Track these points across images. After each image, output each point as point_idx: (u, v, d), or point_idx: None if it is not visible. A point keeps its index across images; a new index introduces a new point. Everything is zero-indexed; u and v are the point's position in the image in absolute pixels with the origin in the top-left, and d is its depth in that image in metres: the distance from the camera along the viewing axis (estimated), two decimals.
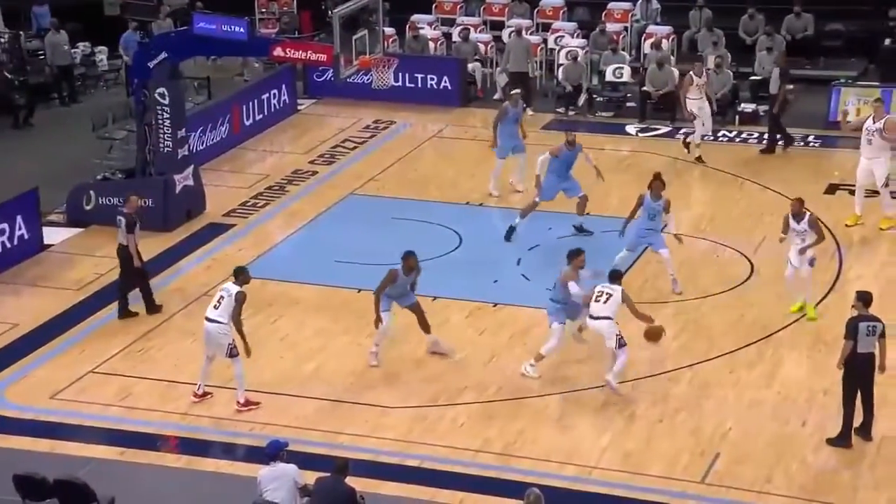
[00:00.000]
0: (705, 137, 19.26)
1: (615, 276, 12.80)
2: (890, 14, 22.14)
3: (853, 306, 11.90)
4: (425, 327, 13.40)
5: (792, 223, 13.95)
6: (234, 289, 12.29)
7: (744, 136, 20.24)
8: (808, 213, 14.10)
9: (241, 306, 12.25)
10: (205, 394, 12.63)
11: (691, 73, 18.97)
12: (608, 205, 17.32)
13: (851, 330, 11.56)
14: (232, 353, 12.31)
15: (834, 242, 15.97)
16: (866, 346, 11.52)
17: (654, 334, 12.76)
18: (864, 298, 11.75)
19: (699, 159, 18.93)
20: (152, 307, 14.37)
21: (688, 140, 19.17)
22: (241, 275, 12.49)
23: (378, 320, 13.05)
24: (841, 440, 11.71)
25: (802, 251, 13.93)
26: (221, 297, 12.29)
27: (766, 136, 19.72)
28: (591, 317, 12.62)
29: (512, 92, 18.55)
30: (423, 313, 13.38)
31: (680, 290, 14.67)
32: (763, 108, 20.51)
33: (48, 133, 20.78)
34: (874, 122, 16.20)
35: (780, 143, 19.49)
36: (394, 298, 13.27)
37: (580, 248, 13.21)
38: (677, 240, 14.92)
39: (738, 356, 13.39)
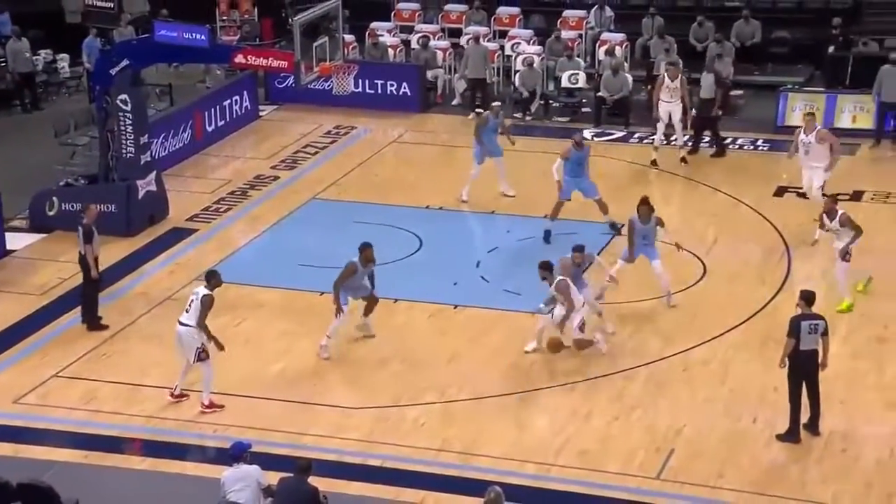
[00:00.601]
0: (688, 144, 19.51)
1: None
2: (833, 23, 22.74)
3: (797, 305, 12.24)
4: (368, 311, 13.90)
5: (826, 222, 14.55)
6: (203, 292, 12.45)
7: (687, 137, 20.58)
8: (840, 211, 14.59)
9: (208, 310, 12.39)
10: (181, 395, 12.74)
11: (664, 73, 19.29)
12: (566, 207, 17.63)
13: (794, 328, 11.89)
14: (200, 357, 12.45)
15: (783, 243, 16.40)
16: (809, 344, 11.84)
17: (555, 345, 13.23)
18: (807, 297, 12.09)
19: (654, 163, 19.27)
20: (94, 324, 14.22)
21: (681, 155, 19.30)
22: (212, 279, 12.64)
23: (339, 310, 13.38)
24: (790, 436, 12.04)
25: (844, 253, 14.31)
26: (192, 300, 12.45)
27: (693, 138, 19.95)
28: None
29: (493, 103, 18.76)
30: (376, 303, 13.84)
31: (674, 304, 14.69)
32: (716, 111, 20.94)
33: (10, 140, 20.78)
34: (806, 135, 16.58)
35: (712, 146, 19.80)
36: (350, 291, 13.54)
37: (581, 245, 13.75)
38: (677, 248, 15.03)
39: (692, 355, 13.70)
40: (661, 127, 19.21)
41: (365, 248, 13.60)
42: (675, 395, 12.93)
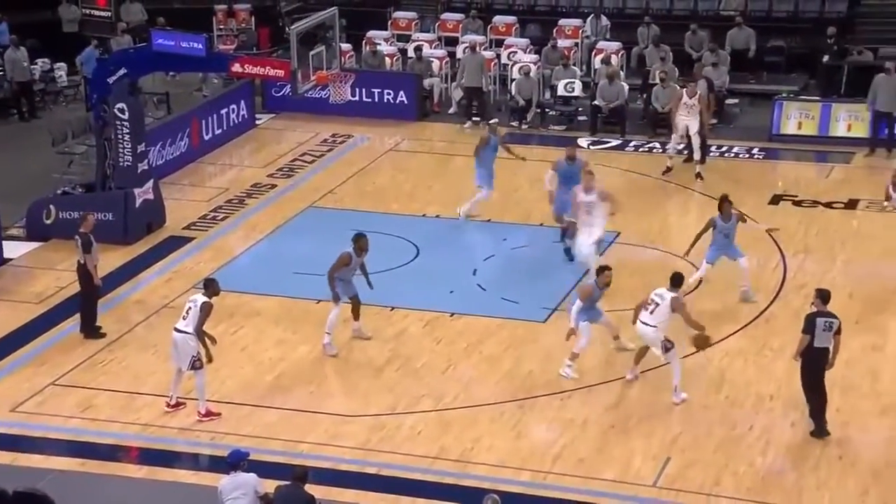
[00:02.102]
0: (698, 166, 19.29)
1: (675, 281, 13.03)
2: (828, 32, 22.86)
3: (812, 303, 12.32)
4: (356, 315, 14.08)
5: (892, 192, 15.66)
6: (201, 299, 12.48)
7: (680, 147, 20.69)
8: None
9: (206, 317, 12.42)
10: (178, 404, 12.75)
11: (684, 90, 19.24)
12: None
13: (810, 324, 12.00)
14: (194, 366, 12.47)
15: (778, 252, 16.46)
16: (822, 342, 11.98)
17: (701, 342, 13.04)
18: (823, 295, 12.22)
19: (668, 169, 19.29)
20: (92, 331, 14.28)
21: (697, 170, 19.21)
22: (210, 286, 12.68)
23: (336, 298, 13.60)
24: (819, 432, 12.16)
25: None
26: (189, 307, 12.47)
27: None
28: (642, 322, 12.94)
29: (490, 121, 18.74)
30: (359, 304, 14.08)
31: (755, 299, 15.00)
32: (711, 120, 21.03)
33: (8, 148, 20.83)
34: (587, 194, 15.40)
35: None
36: (341, 285, 13.76)
37: (607, 266, 13.59)
38: (770, 234, 15.41)
39: (687, 363, 13.64)
40: (675, 138, 19.15)
41: (359, 238, 13.82)
42: (672, 403, 12.94)
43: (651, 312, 12.85)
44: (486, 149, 17.51)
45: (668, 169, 19.34)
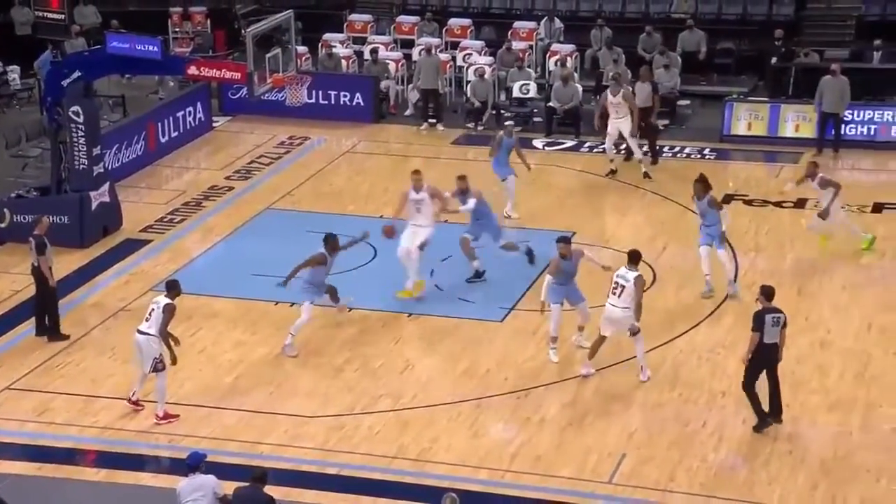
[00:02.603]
0: (647, 155, 19.64)
1: (633, 259, 13.24)
2: (776, 35, 23.27)
3: (757, 300, 12.55)
4: (336, 300, 14.43)
5: (810, 183, 16.26)
6: (164, 301, 12.49)
7: (644, 149, 20.95)
8: (819, 174, 16.11)
9: (170, 318, 12.44)
10: (138, 402, 12.76)
11: (608, 90, 19.42)
12: (515, 217, 17.91)
13: (759, 322, 12.24)
14: (156, 368, 12.49)
15: (730, 250, 16.74)
16: (771, 337, 12.25)
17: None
18: (767, 292, 12.45)
19: (613, 172, 19.48)
20: (56, 334, 14.24)
21: (643, 170, 19.33)
22: (173, 288, 12.69)
23: (288, 281, 13.79)
24: (763, 424, 12.41)
25: (823, 213, 16.15)
26: (152, 309, 12.49)
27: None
28: (611, 305, 13.22)
29: (506, 123, 18.69)
30: (335, 289, 14.31)
31: (735, 294, 15.23)
32: (662, 122, 21.34)
33: None
34: (416, 192, 15.28)
35: (646, 154, 19.97)
36: (314, 289, 13.87)
37: (565, 237, 13.94)
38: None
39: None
40: (609, 139, 19.35)
41: (331, 239, 13.91)
42: (627, 401, 13.15)
43: (619, 296, 13.09)
44: (501, 149, 17.71)
45: (613, 171, 19.49)
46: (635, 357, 13.56)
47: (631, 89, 19.74)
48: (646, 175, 19.31)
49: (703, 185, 15.23)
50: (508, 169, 17.81)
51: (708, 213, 15.18)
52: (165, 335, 12.43)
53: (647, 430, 12.58)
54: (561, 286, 13.68)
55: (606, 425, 12.69)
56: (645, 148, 19.87)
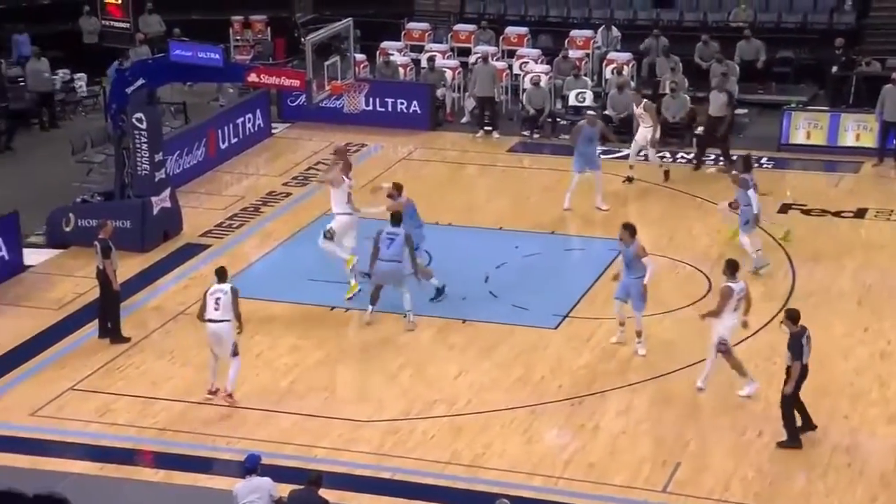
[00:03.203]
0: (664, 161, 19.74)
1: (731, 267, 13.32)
2: (836, 43, 23.03)
3: (781, 323, 12.34)
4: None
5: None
6: (227, 286, 12.94)
7: (691, 156, 20.90)
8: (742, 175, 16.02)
9: (238, 298, 12.93)
10: (217, 390, 13.13)
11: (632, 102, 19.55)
12: (571, 225, 17.91)
13: (797, 348, 12.04)
14: (235, 352, 12.93)
15: (787, 259, 16.59)
16: (807, 357, 12.16)
17: None
18: (793, 316, 12.20)
19: (629, 179, 19.40)
20: (118, 336, 14.51)
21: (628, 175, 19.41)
22: (224, 274, 13.15)
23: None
24: (791, 441, 12.25)
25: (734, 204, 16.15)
26: (218, 297, 12.88)
27: (697, 156, 20.28)
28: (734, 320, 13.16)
29: (588, 112, 18.95)
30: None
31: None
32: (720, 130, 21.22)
33: (29, 157, 21.12)
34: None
35: (721, 163, 19.97)
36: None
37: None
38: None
39: (698, 369, 13.81)
40: (634, 146, 19.42)
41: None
42: (682, 409, 13.07)
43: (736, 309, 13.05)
44: (582, 139, 17.97)
45: (630, 179, 19.36)
46: (691, 365, 13.48)
47: (688, 97, 19.69)
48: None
49: (629, 231, 13.87)
50: (596, 160, 17.97)
51: (633, 263, 13.80)
52: (239, 315, 12.92)
53: (703, 439, 12.51)
54: (626, 278, 13.79)
55: (661, 433, 12.63)
56: (708, 156, 19.71)
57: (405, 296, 14.68)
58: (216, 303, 12.86)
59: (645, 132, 19.33)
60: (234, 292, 12.92)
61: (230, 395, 13.06)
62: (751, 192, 15.73)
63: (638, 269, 13.85)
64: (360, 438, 12.58)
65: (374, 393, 13.51)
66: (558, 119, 22.19)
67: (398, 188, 15.72)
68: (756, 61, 23.32)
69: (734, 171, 16.52)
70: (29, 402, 13.26)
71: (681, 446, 12.38)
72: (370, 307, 14.84)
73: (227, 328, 12.88)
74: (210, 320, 12.91)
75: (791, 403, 12.25)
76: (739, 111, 22.32)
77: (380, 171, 20.43)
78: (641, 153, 19.64)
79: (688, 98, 21.47)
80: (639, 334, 14.13)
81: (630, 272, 13.90)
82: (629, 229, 13.90)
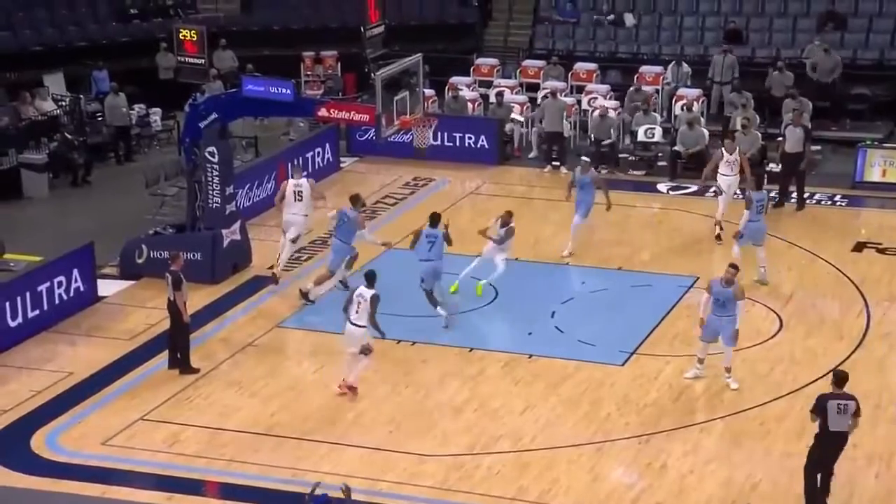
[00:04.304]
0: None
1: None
2: None
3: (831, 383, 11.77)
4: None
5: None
6: (369, 293, 13.67)
7: (772, 194, 20.56)
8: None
9: (376, 307, 13.57)
10: (350, 387, 13.81)
11: (722, 148, 18.54)
12: (638, 261, 17.77)
13: (819, 407, 11.50)
14: (363, 352, 13.75)
15: (861, 299, 16.26)
16: (838, 425, 11.48)
17: None
18: (839, 377, 11.66)
19: (718, 238, 18.31)
20: (187, 367, 14.68)
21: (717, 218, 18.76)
22: (372, 278, 13.83)
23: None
24: None
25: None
26: (359, 302, 13.66)
27: (780, 192, 19.94)
28: None
29: (582, 159, 18.47)
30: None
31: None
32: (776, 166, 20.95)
33: (105, 189, 21.59)
34: None
35: (793, 200, 19.68)
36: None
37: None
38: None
39: (769, 409, 13.63)
40: (723, 199, 18.34)
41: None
42: (751, 449, 12.87)
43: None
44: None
45: (719, 237, 18.22)
46: (762, 404, 13.25)
47: (759, 133, 19.42)
48: (718, 238, 18.30)
49: (734, 271, 13.99)
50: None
51: (729, 304, 13.85)
52: (374, 322, 13.58)
53: (772, 481, 12.28)
54: (716, 318, 13.78)
55: (729, 474, 12.43)
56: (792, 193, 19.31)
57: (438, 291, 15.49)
58: (357, 307, 13.63)
59: (731, 180, 18.35)
60: (374, 300, 13.53)
61: (351, 387, 13.76)
62: (747, 212, 16.36)
63: (731, 309, 13.91)
64: (425, 473, 12.56)
65: (439, 427, 13.49)
66: (621, 154, 22.06)
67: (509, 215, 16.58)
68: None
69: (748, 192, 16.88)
70: (101, 431, 13.45)
71: (750, 487, 12.17)
72: (440, 310, 15.56)
73: (359, 334, 13.67)
74: (350, 322, 13.68)
75: (808, 464, 11.70)
76: (813, 148, 22.05)
77: (447, 205, 20.47)
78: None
79: (759, 134, 21.26)
80: (728, 370, 14.01)
81: (724, 311, 13.90)
82: (735, 269, 14.02)
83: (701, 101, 23.38)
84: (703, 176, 19.03)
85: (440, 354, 14.91)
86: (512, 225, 16.43)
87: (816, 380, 14.23)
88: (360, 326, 13.67)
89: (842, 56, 24.46)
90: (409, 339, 15.30)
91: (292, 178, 17.43)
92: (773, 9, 26.27)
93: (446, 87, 24.17)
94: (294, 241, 17.23)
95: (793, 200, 19.91)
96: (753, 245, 16.72)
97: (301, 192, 17.21)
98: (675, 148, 21.50)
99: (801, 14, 26.09)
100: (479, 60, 25.86)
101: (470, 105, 23.66)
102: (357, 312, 13.66)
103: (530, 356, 14.99)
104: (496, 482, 12.36)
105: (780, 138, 20.29)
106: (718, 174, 18.62)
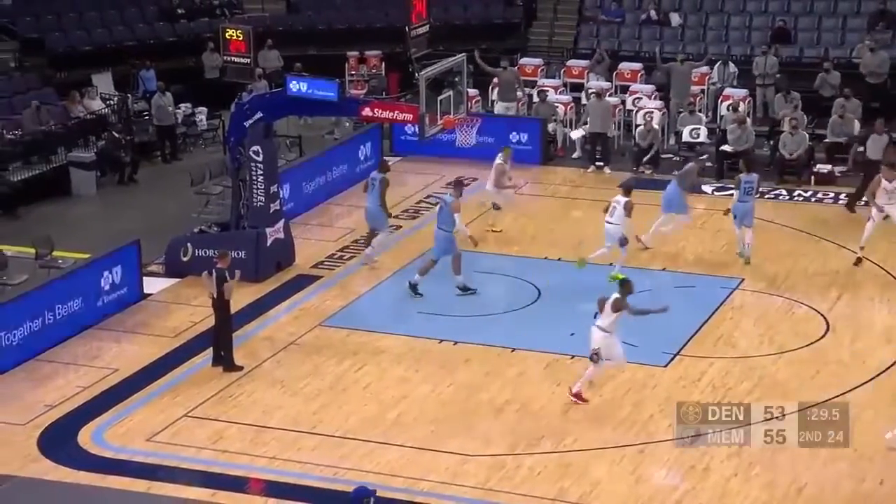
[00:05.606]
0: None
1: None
2: None
3: None
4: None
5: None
6: (612, 298, 13.61)
7: (819, 195, 20.38)
8: None
9: (619, 312, 13.56)
10: (576, 395, 13.73)
11: (880, 175, 17.25)
12: (684, 260, 17.63)
13: None
14: (592, 358, 13.71)
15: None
16: None
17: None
18: None
19: (859, 261, 17.36)
20: (231, 365, 14.76)
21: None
22: (626, 285, 13.78)
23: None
24: None
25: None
26: (606, 305, 13.62)
27: (846, 194, 19.79)
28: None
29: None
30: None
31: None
32: (839, 168, 20.65)
33: (151, 188, 21.82)
34: None
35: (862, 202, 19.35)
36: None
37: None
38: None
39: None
40: (870, 226, 17.25)
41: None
42: (796, 453, 12.68)
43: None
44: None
45: (860, 260, 17.36)
46: (806, 408, 13.02)
47: (807, 134, 19.21)
48: (858, 261, 17.40)
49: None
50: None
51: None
52: (613, 328, 13.62)
53: (819, 485, 12.14)
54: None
55: (773, 477, 12.30)
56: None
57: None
58: (600, 308, 13.68)
59: (891, 209, 17.18)
60: (615, 304, 13.49)
61: (573, 393, 13.74)
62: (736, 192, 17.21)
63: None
64: (467, 473, 12.55)
65: (481, 427, 13.47)
66: (665, 155, 21.90)
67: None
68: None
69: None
70: (145, 427, 13.58)
71: (795, 491, 12.04)
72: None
73: (603, 337, 13.58)
74: (597, 326, 13.68)
75: None
76: (860, 149, 21.68)
77: (488, 206, 20.45)
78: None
79: (806, 135, 21.01)
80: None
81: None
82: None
83: (747, 101, 23.15)
84: (867, 201, 17.84)
85: (482, 354, 14.89)
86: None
87: (864, 383, 14.05)
88: (603, 331, 13.56)
89: (892, 56, 24.10)
90: (452, 339, 15.30)
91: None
92: (822, 8, 25.97)
93: (490, 87, 24.08)
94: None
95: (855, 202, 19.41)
96: (743, 226, 17.08)
97: None
98: (723, 148, 21.30)
99: (850, 13, 25.74)
100: (523, 60, 25.79)
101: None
102: (599, 314, 13.68)
103: (573, 357, 14.92)
104: (538, 483, 12.33)
105: (860, 147, 19.97)
106: (878, 201, 17.25)
